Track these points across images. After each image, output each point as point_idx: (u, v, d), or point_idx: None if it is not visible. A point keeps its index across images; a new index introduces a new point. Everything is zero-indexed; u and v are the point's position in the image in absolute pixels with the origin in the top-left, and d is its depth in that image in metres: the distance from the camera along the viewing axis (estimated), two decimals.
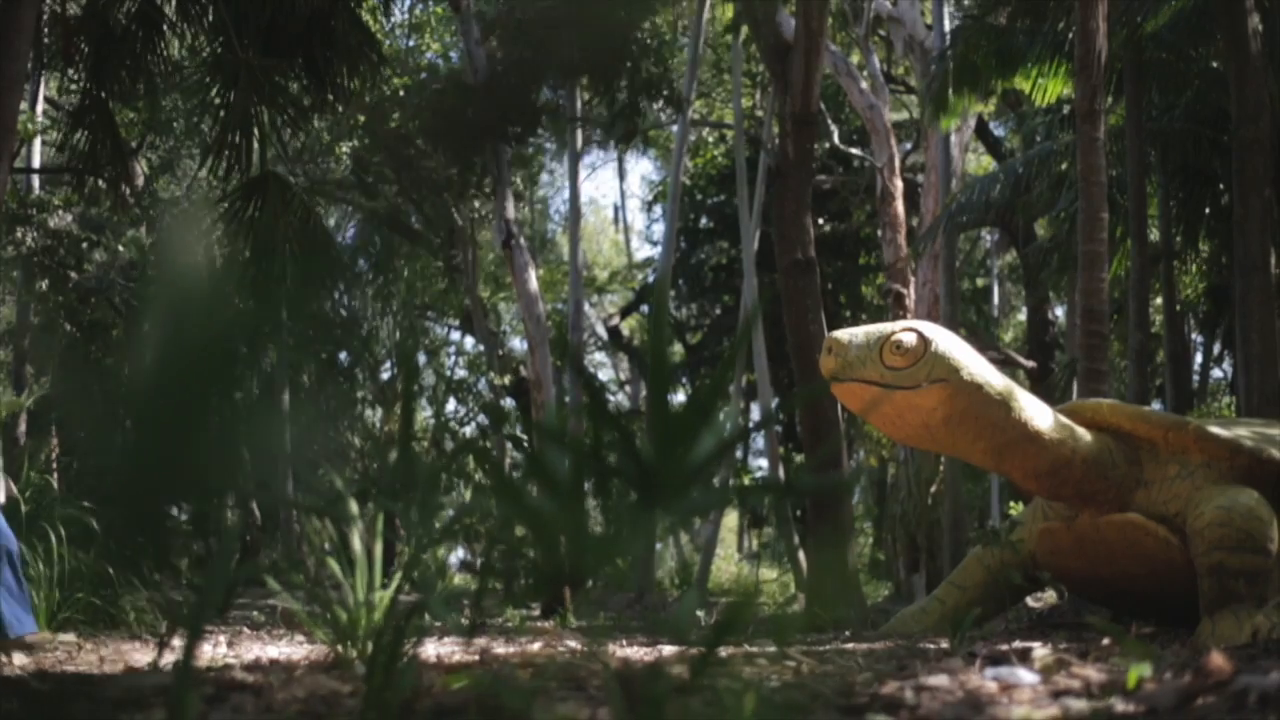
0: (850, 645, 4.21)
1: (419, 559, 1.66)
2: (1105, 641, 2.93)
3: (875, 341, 4.27)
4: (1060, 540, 4.73)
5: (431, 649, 3.75)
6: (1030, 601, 7.81)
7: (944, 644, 3.84)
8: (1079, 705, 1.97)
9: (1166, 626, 4.69)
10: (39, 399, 13.47)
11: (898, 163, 12.73)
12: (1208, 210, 10.64)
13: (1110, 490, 4.56)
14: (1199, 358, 18.51)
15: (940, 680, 2.29)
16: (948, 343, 4.28)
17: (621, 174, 38.30)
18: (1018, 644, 3.72)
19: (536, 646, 3.41)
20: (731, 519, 26.90)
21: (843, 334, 4.39)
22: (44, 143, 12.49)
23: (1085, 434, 4.56)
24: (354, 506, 2.20)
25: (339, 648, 2.34)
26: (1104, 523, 4.55)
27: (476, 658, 2.69)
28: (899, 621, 5.11)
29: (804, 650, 3.60)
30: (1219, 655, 2.14)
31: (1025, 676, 2.33)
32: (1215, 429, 4.56)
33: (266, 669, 2.78)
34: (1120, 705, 1.97)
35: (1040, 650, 2.58)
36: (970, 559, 5.12)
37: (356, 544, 2.35)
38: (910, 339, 4.23)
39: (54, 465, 14.14)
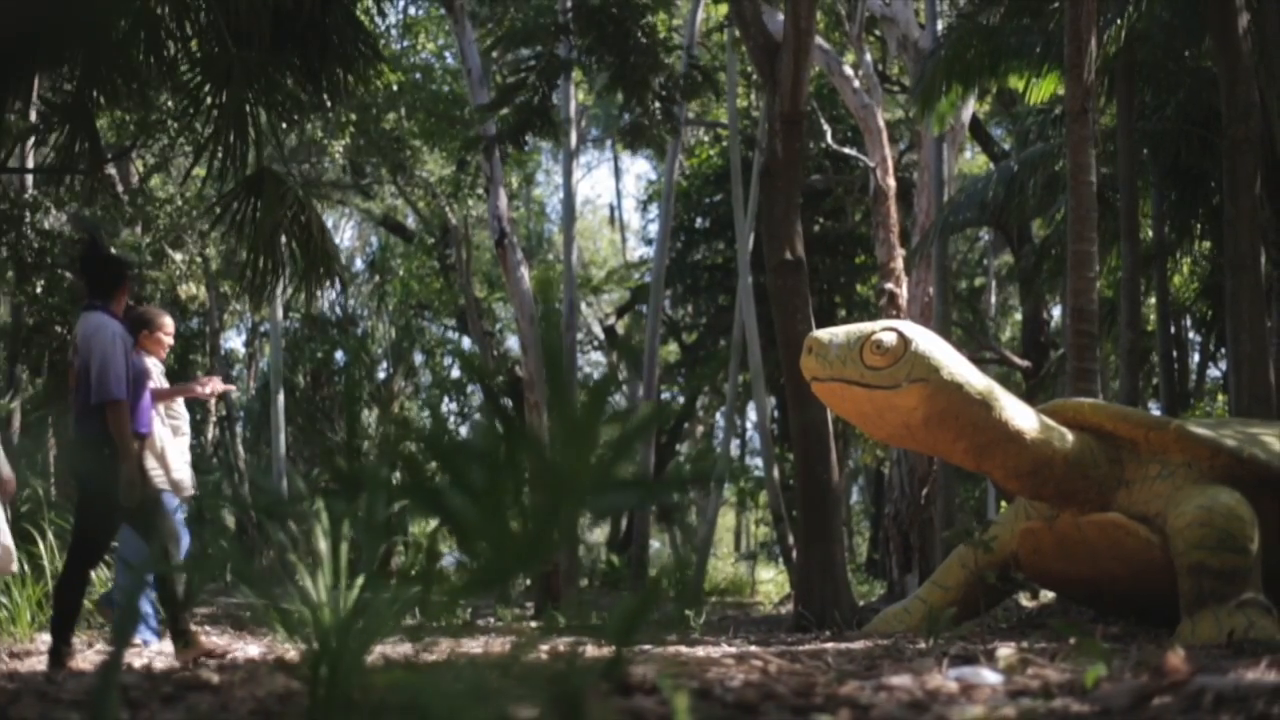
0: (830, 644, 4.21)
1: (370, 559, 1.66)
2: (1073, 641, 2.93)
3: (855, 341, 4.28)
4: (1042, 540, 4.73)
5: (406, 649, 3.75)
6: (1024, 600, 7.81)
7: (924, 644, 3.84)
8: (1034, 705, 1.97)
9: (1148, 626, 4.68)
10: (33, 400, 13.45)
11: (891, 162, 12.71)
12: (1200, 210, 10.63)
13: (1092, 490, 4.56)
14: (1197, 357, 18.49)
15: (903, 680, 2.29)
16: (928, 343, 4.28)
17: (617, 173, 38.36)
18: (997, 644, 3.72)
19: (505, 646, 3.41)
20: (729, 519, 26.89)
21: (823, 334, 4.40)
22: (37, 142, 12.47)
23: (1067, 433, 4.56)
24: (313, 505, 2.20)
25: (301, 647, 2.35)
26: (1085, 522, 4.55)
27: (441, 657, 2.69)
28: (882, 621, 5.11)
29: (777, 650, 3.61)
30: (1175, 655, 2.14)
31: (988, 676, 2.33)
32: (1195, 429, 4.56)
33: (234, 668, 2.78)
34: (1075, 705, 1.97)
35: (1004, 650, 2.57)
36: (952, 559, 5.12)
37: (321, 544, 2.35)
38: (890, 339, 4.24)
39: (52, 468, 14.14)
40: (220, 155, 6.59)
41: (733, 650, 3.60)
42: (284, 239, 6.79)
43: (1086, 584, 4.84)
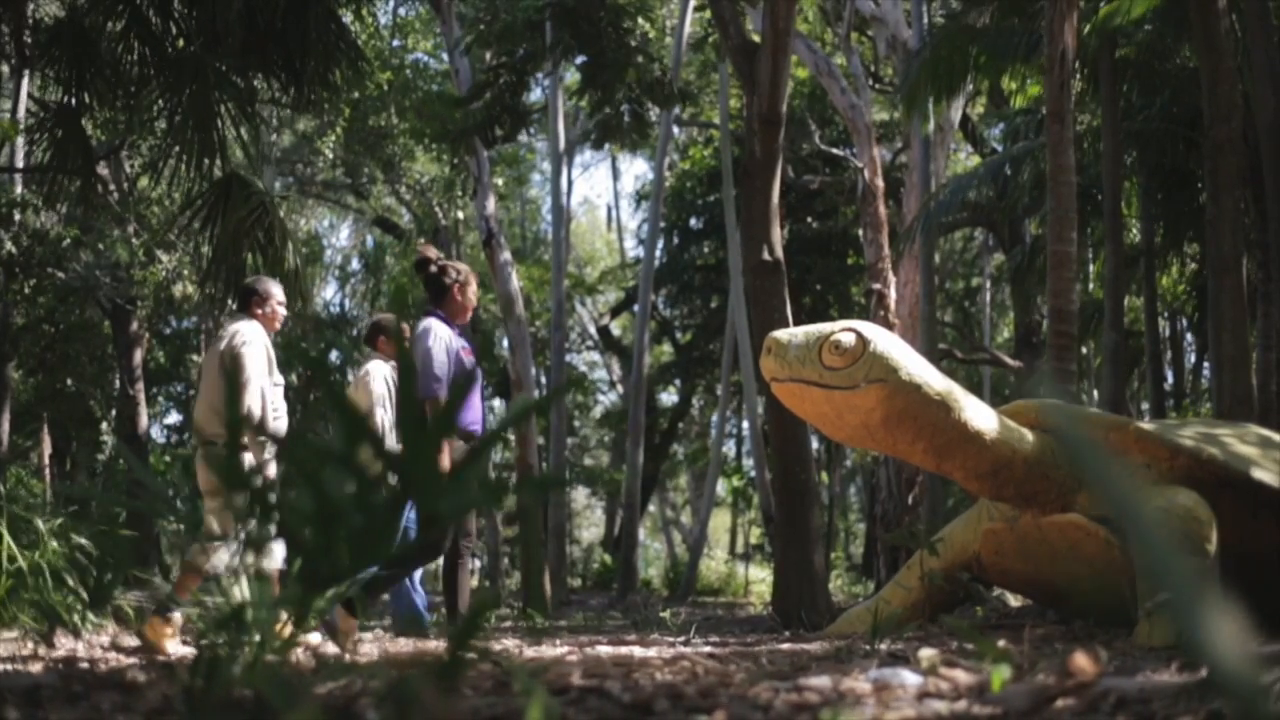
0: (785, 645, 4.21)
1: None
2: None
3: (814, 342, 4.27)
4: (1003, 541, 4.72)
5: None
6: (1012, 600, 7.77)
7: (870, 645, 3.84)
8: (939, 706, 1.97)
9: (1110, 628, 4.67)
10: (25, 398, 13.48)
11: (879, 163, 12.70)
12: (1186, 210, 10.61)
13: (1052, 491, 4.55)
14: (1191, 358, 18.44)
15: (821, 681, 2.29)
16: (886, 343, 4.28)
17: (615, 174, 38.40)
18: (958, 645, 3.71)
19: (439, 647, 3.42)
20: (724, 519, 26.88)
21: (782, 334, 4.40)
22: (27, 142, 12.51)
23: (1027, 434, 4.55)
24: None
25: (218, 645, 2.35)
26: (1046, 524, 4.54)
27: (375, 658, 2.70)
28: (845, 622, 5.11)
29: (730, 651, 3.60)
30: (1083, 656, 2.13)
31: (907, 678, 2.32)
32: (1154, 430, 4.55)
33: (160, 665, 2.78)
34: (976, 708, 1.96)
35: (926, 651, 2.57)
36: (915, 560, 5.12)
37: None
38: (849, 339, 4.23)
39: (47, 466, 14.17)
40: (190, 154, 6.62)
41: (679, 651, 3.60)
42: (247, 245, 6.83)
43: (1048, 585, 4.83)
